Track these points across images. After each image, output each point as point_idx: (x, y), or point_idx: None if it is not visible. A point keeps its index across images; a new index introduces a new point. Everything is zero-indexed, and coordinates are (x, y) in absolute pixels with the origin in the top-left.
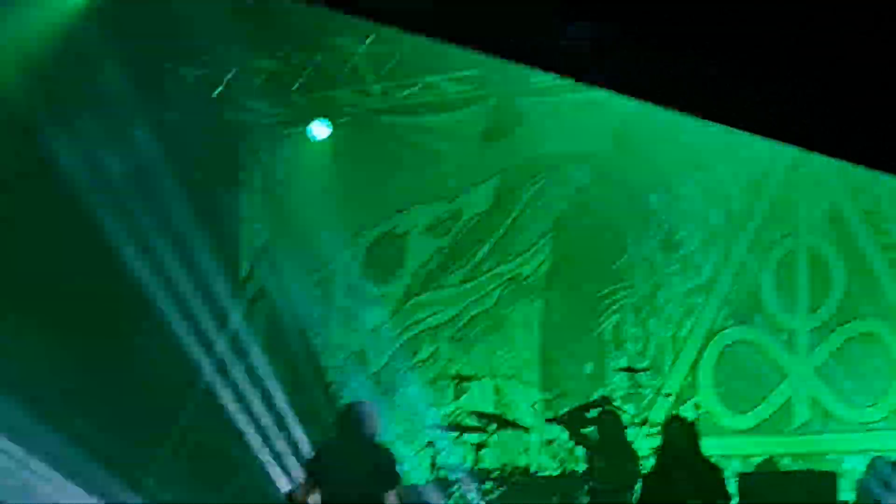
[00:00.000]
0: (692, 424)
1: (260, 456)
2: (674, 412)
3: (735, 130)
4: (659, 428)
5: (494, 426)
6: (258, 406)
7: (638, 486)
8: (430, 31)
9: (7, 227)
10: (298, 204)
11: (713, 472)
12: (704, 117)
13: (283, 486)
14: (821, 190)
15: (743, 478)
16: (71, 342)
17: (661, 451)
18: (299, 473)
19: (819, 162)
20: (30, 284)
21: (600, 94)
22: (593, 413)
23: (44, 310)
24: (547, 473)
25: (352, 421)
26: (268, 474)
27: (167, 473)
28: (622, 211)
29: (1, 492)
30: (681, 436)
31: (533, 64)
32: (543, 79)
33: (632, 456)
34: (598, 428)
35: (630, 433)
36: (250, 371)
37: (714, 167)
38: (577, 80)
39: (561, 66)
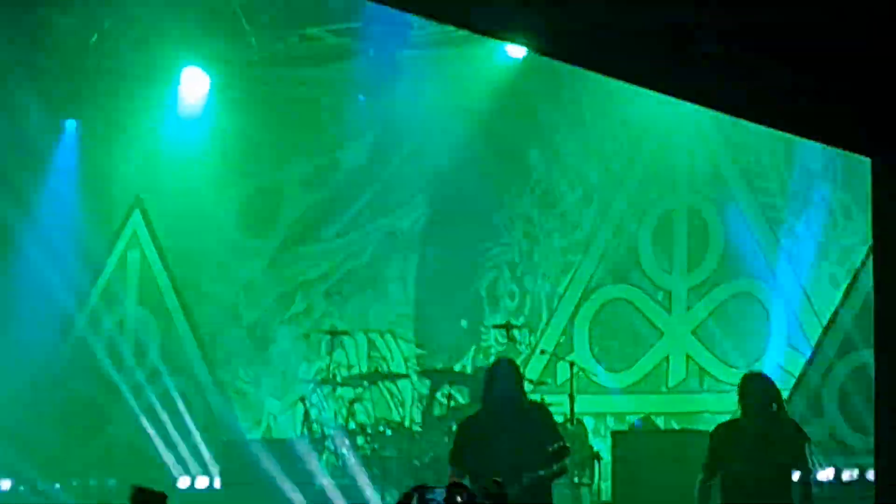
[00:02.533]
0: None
1: (132, 407)
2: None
3: (615, 89)
4: (533, 386)
5: (368, 381)
6: (130, 358)
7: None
8: None
9: None
10: (174, 155)
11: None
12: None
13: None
14: (700, 149)
15: (616, 435)
16: None
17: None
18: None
19: (699, 121)
20: None
21: (480, 50)
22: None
23: None
24: (419, 428)
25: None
26: (140, 426)
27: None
28: (500, 167)
29: None
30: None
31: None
32: (422, 32)
33: None
34: (469, 385)
35: None
36: (122, 323)
37: (594, 125)
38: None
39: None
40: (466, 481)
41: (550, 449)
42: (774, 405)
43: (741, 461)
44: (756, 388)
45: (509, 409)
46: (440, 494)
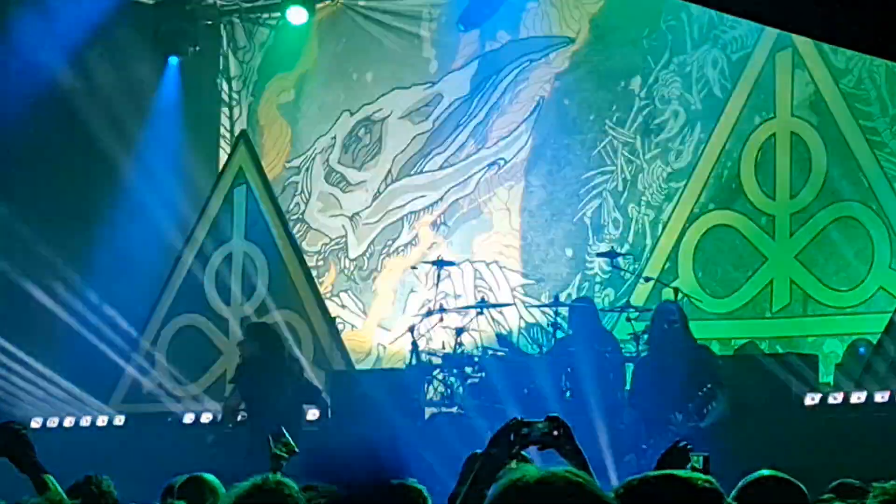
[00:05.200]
0: (681, 309)
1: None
2: (663, 298)
3: (718, 15)
4: (638, 313)
5: (475, 311)
6: (237, 293)
7: (628, 370)
8: None
9: None
10: (278, 89)
11: (706, 356)
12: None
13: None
14: (801, 73)
15: (724, 361)
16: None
17: (650, 336)
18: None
19: (800, 45)
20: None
21: None
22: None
23: None
24: (527, 357)
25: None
26: None
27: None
28: (602, 96)
29: None
30: (671, 321)
31: None
32: None
33: (610, 340)
34: (573, 314)
35: (610, 318)
36: (228, 258)
37: (694, 52)
38: None
39: None
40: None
41: (700, 392)
42: None
43: None
44: None
45: (676, 352)
46: (537, 430)
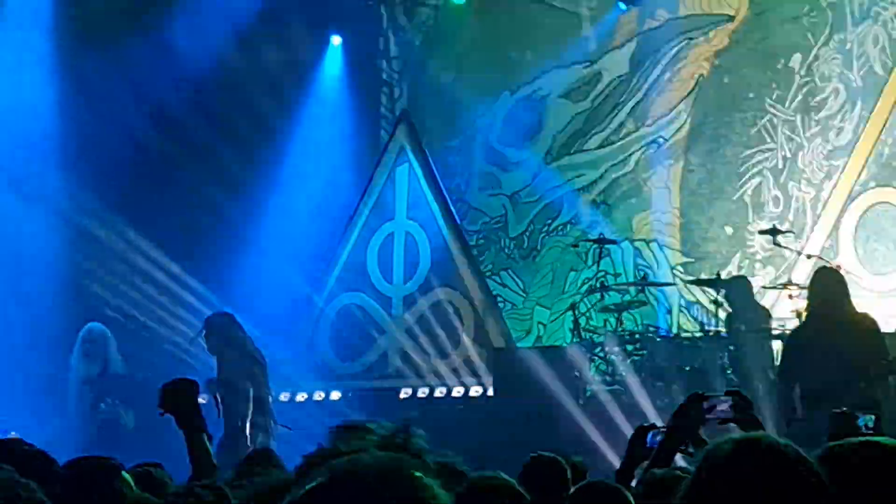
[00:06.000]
0: (842, 278)
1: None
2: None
3: None
4: (800, 291)
5: (636, 289)
6: (399, 271)
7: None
8: None
9: None
10: (437, 69)
11: (869, 326)
12: None
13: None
14: None
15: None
16: None
17: (808, 304)
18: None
19: None
20: None
21: None
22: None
23: None
24: (688, 334)
25: None
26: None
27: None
28: (762, 74)
29: None
30: (831, 291)
31: None
32: None
33: (769, 317)
34: (730, 292)
35: (771, 295)
36: (391, 237)
37: (854, 29)
38: None
39: None
40: (797, 395)
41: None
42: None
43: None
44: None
45: (836, 321)
46: (720, 403)
